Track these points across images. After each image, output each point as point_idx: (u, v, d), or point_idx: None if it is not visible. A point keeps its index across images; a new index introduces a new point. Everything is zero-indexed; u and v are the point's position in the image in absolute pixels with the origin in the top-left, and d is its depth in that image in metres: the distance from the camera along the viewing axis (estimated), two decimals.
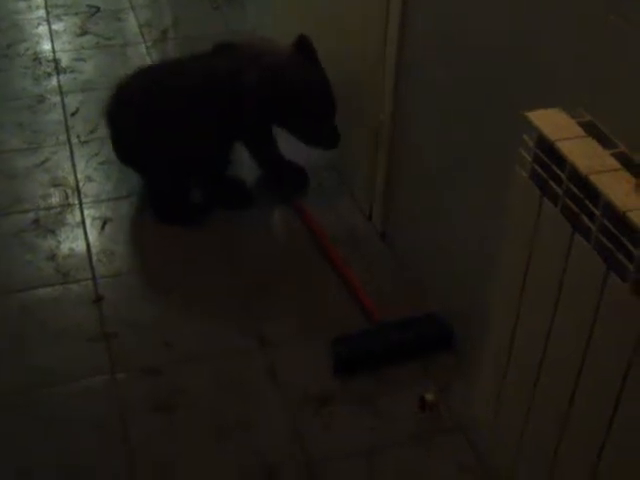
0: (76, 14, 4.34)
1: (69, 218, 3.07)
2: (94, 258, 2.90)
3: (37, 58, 4.00)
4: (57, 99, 3.71)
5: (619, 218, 1.46)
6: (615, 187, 1.51)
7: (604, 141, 1.63)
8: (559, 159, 1.61)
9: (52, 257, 2.90)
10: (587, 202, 1.55)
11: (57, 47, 4.08)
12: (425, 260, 2.68)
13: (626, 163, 1.57)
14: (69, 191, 3.19)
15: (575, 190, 1.58)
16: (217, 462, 2.28)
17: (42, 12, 4.34)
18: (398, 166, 2.75)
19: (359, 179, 3.04)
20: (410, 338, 2.56)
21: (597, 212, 1.52)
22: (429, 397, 2.38)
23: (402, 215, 2.80)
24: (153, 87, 2.97)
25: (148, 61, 3.97)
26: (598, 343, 1.57)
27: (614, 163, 1.57)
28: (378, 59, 2.67)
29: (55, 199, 3.15)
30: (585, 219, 1.55)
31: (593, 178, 1.53)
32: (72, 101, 3.70)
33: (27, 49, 4.05)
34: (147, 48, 4.10)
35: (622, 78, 1.64)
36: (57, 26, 4.25)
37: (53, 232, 3.00)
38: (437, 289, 2.62)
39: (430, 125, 2.50)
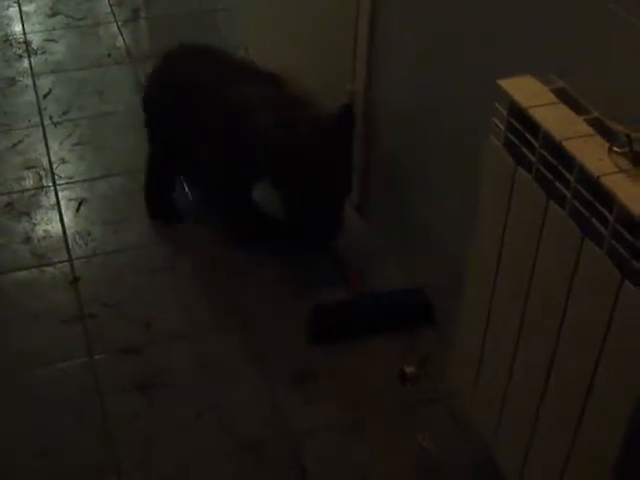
0: None
1: (43, 200, 3.05)
2: (70, 240, 2.88)
3: (8, 40, 3.96)
4: (29, 81, 3.68)
5: (593, 183, 1.46)
6: (589, 152, 1.50)
7: (577, 107, 1.62)
8: (532, 126, 1.60)
9: (27, 240, 2.87)
10: (561, 169, 1.54)
11: (28, 29, 4.04)
12: (403, 232, 2.66)
13: (599, 129, 1.56)
14: (43, 173, 3.16)
15: (549, 157, 1.57)
16: (198, 440, 2.27)
17: None
18: (373, 138, 2.73)
19: None
20: (389, 310, 2.55)
21: (571, 178, 1.51)
22: (409, 370, 2.38)
23: (378, 187, 2.79)
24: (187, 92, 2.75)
25: (120, 41, 3.94)
26: (575, 310, 1.56)
27: (587, 129, 1.56)
28: (351, 27, 2.65)
29: (29, 181, 3.12)
30: (559, 186, 1.55)
31: (566, 144, 1.52)
32: (44, 82, 3.67)
33: None
34: (119, 27, 4.07)
35: (593, 43, 1.63)
36: (27, 7, 4.21)
37: (28, 215, 2.98)
38: (415, 262, 2.61)
39: (404, 95, 2.48)
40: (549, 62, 1.74)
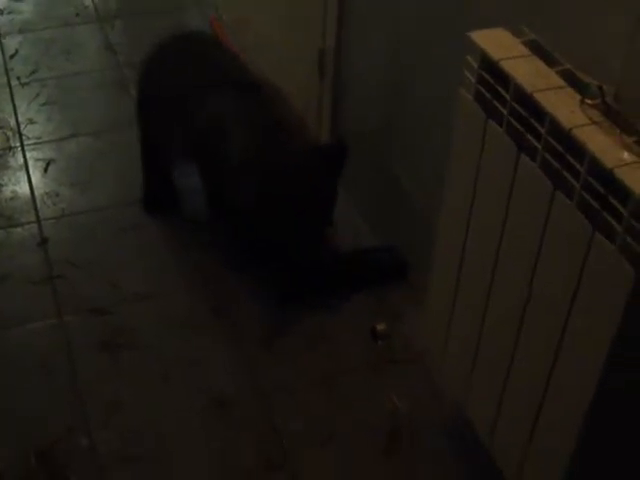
0: None
1: (11, 161, 3.01)
2: (38, 200, 2.85)
3: None
4: None
5: (565, 136, 1.44)
6: (560, 105, 1.48)
7: (548, 59, 1.60)
8: (503, 79, 1.58)
9: None
10: (532, 121, 1.52)
11: None
12: (375, 189, 2.65)
13: (571, 81, 1.55)
14: (10, 134, 3.12)
15: (520, 109, 1.55)
16: (167, 398, 2.27)
17: None
18: (344, 94, 2.70)
19: (306, 108, 2.98)
20: (361, 269, 2.53)
21: (542, 131, 1.49)
22: (380, 327, 2.38)
23: (350, 142, 2.75)
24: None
25: (88, 0, 3.87)
26: (546, 263, 1.56)
27: (559, 81, 1.55)
28: None
29: None
30: (531, 138, 1.53)
31: (538, 96, 1.50)
32: (10, 43, 3.62)
33: None
34: None
35: None
36: None
37: None
38: (386, 218, 2.59)
39: (375, 52, 2.46)
40: (520, 14, 1.72)
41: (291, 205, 2.32)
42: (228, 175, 2.38)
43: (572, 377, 1.55)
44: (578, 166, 1.42)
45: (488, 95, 1.63)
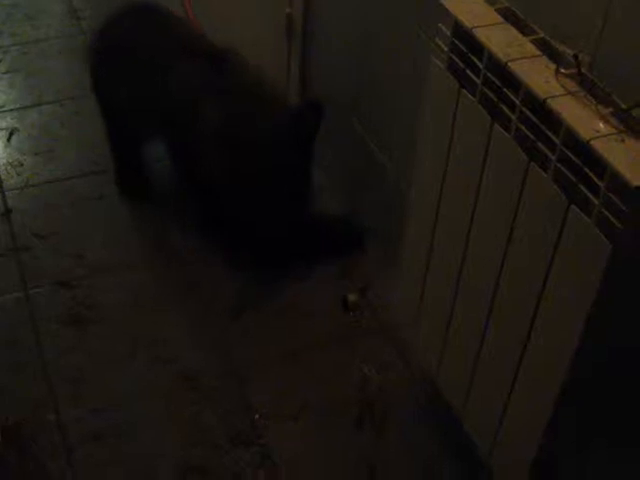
0: None
1: None
2: (1, 170, 2.80)
3: None
4: None
5: (539, 106, 1.41)
6: (535, 74, 1.45)
7: (523, 28, 1.57)
8: (476, 47, 1.55)
9: None
10: (506, 91, 1.49)
11: None
12: (344, 156, 2.60)
13: (546, 50, 1.52)
14: None
15: (494, 79, 1.52)
16: (134, 374, 2.23)
17: None
18: (312, 61, 2.66)
19: (275, 73, 2.93)
20: (319, 240, 2.53)
21: (516, 101, 1.46)
22: (352, 298, 2.36)
23: None
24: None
25: None
26: (520, 235, 1.53)
27: (533, 49, 1.52)
28: None
29: None
30: (505, 109, 1.50)
31: (512, 65, 1.47)
32: None
33: None
34: None
35: None
36: None
37: None
38: (356, 186, 2.56)
39: (343, 17, 2.41)
40: None
41: (267, 174, 2.28)
42: (199, 148, 2.33)
43: (547, 350, 1.54)
44: (553, 137, 1.40)
45: (461, 64, 1.60)
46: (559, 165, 1.39)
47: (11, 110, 3.04)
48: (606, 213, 1.32)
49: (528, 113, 1.45)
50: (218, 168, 2.30)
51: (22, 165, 2.82)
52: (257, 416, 2.15)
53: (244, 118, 2.28)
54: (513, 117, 1.48)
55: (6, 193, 2.72)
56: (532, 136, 1.45)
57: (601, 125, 1.35)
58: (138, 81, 2.47)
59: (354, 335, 2.33)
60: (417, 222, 1.87)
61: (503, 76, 1.49)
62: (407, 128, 2.11)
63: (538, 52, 1.51)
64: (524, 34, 1.55)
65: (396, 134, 2.23)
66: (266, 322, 2.37)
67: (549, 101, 1.39)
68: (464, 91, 1.60)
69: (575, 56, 1.43)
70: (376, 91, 2.32)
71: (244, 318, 2.37)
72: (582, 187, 1.36)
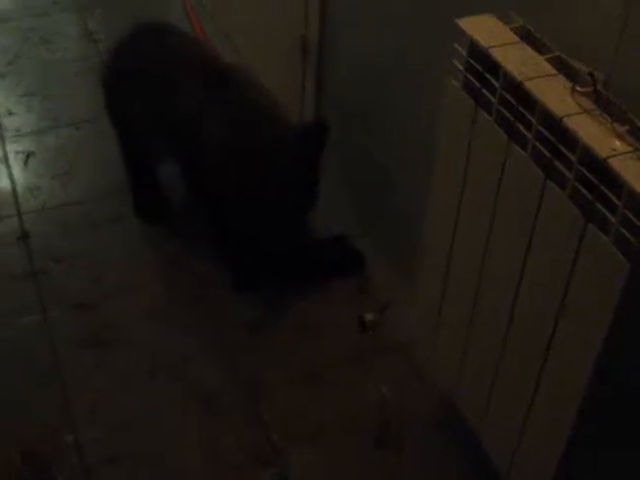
0: None
1: None
2: (19, 194, 2.81)
3: None
4: None
5: (556, 124, 1.41)
6: (551, 93, 1.46)
7: (538, 46, 1.57)
8: (492, 67, 1.56)
9: None
10: (522, 110, 1.49)
11: None
12: (359, 175, 2.60)
13: (562, 68, 1.52)
14: None
15: (510, 98, 1.52)
16: (154, 394, 2.24)
17: None
18: (327, 83, 2.66)
19: (288, 93, 2.93)
20: (315, 264, 2.54)
21: (533, 120, 1.47)
22: (369, 317, 2.35)
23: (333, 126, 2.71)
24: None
25: None
26: (537, 254, 1.53)
27: (549, 68, 1.52)
28: None
29: None
30: (521, 128, 1.50)
31: (528, 84, 1.47)
32: None
33: None
34: None
35: None
36: None
37: None
38: (371, 205, 2.55)
39: (359, 39, 2.41)
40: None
41: (270, 192, 2.28)
42: (204, 161, 2.34)
43: (565, 368, 1.53)
44: (570, 156, 1.40)
45: (477, 83, 1.60)
46: (576, 183, 1.39)
47: (28, 133, 3.05)
48: (623, 231, 1.32)
49: (545, 132, 1.45)
50: (223, 181, 2.31)
51: (39, 188, 2.83)
52: (275, 436, 2.15)
53: (249, 131, 2.29)
54: (529, 136, 1.48)
55: (23, 217, 2.72)
56: (549, 154, 1.45)
57: (617, 143, 1.36)
58: (147, 99, 2.49)
59: (371, 354, 2.33)
60: (434, 240, 1.87)
61: (519, 95, 1.49)
62: (422, 146, 2.12)
63: (554, 71, 1.51)
64: (540, 52, 1.56)
65: (412, 153, 2.23)
66: (283, 341, 2.37)
67: (565, 120, 1.39)
68: (480, 110, 1.60)
69: (591, 74, 1.43)
70: (390, 110, 2.32)
71: (261, 337, 2.38)
72: (599, 205, 1.35)
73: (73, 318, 2.41)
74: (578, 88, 1.45)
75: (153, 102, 2.47)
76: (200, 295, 2.49)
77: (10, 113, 3.13)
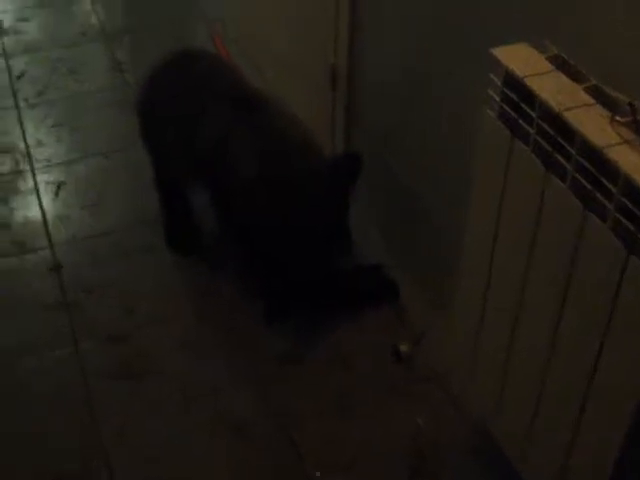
0: None
1: (21, 185, 2.97)
2: (50, 225, 2.81)
3: None
4: (1, 62, 3.58)
5: (596, 155, 1.40)
6: (590, 123, 1.44)
7: (575, 75, 1.56)
8: (529, 97, 1.54)
9: (6, 226, 2.80)
10: (561, 140, 1.48)
11: None
12: (393, 206, 2.59)
13: (599, 97, 1.50)
14: (19, 157, 3.08)
15: (547, 128, 1.51)
16: (187, 425, 2.23)
17: None
18: (358, 113, 2.65)
19: (318, 123, 2.93)
20: (348, 292, 2.53)
21: (572, 150, 1.45)
22: (403, 348, 2.33)
23: (364, 157, 2.69)
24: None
25: (94, 19, 3.84)
26: (577, 287, 1.51)
27: (587, 98, 1.50)
28: None
29: (5, 166, 3.05)
30: (560, 158, 1.49)
31: (566, 115, 1.46)
32: (17, 63, 3.58)
33: None
34: (92, 5, 3.97)
35: (589, 6, 1.56)
36: None
37: (5, 200, 2.90)
38: (404, 235, 2.54)
39: (389, 69, 2.41)
40: (542, 28, 1.67)
41: (301, 222, 2.27)
42: (237, 194, 2.33)
43: (611, 394, 1.51)
44: (611, 187, 1.38)
45: (513, 113, 1.59)
46: (617, 215, 1.37)
47: (58, 164, 3.06)
48: None
49: (584, 162, 1.43)
50: (252, 210, 2.30)
51: (70, 219, 2.84)
52: (308, 467, 2.13)
53: (277, 160, 2.28)
54: (569, 167, 1.46)
55: (55, 247, 2.73)
56: (589, 185, 1.43)
57: None
58: (178, 125, 2.49)
59: (404, 384, 2.31)
60: (470, 272, 1.85)
61: (557, 125, 1.48)
62: (455, 174, 2.10)
63: (592, 100, 1.49)
64: (576, 82, 1.54)
65: (446, 184, 2.21)
66: (314, 372, 2.36)
67: (606, 150, 1.38)
68: (517, 140, 1.58)
69: (630, 104, 1.42)
70: (422, 138, 2.31)
71: (292, 368, 2.36)
72: None
73: (105, 350, 2.41)
74: (617, 118, 1.44)
75: (184, 128, 2.47)
76: (231, 326, 2.48)
77: (40, 144, 3.14)
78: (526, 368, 1.72)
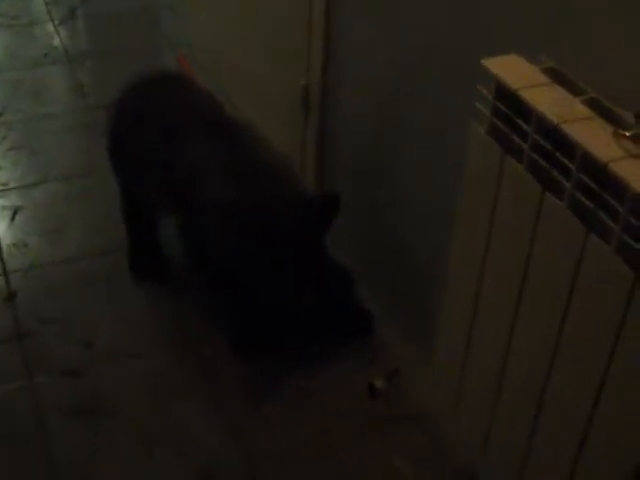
0: None
1: None
2: (5, 251, 2.69)
3: None
4: None
5: (600, 171, 1.28)
6: (591, 136, 1.32)
7: (572, 87, 1.45)
8: (522, 110, 1.43)
9: None
10: (559, 155, 1.36)
11: None
12: (369, 239, 2.47)
13: (599, 110, 1.39)
14: None
15: (544, 143, 1.39)
16: (149, 471, 2.09)
17: None
18: (331, 135, 2.54)
19: (291, 147, 2.81)
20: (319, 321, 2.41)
21: (572, 166, 1.33)
22: (378, 384, 2.21)
23: (335, 186, 2.58)
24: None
25: (57, 41, 3.73)
26: (577, 315, 1.39)
27: (586, 110, 1.39)
28: (304, 17, 2.46)
29: None
30: (557, 175, 1.37)
31: (565, 127, 1.34)
32: None
33: None
34: (55, 27, 3.87)
35: (584, 17, 1.45)
36: None
37: None
38: (383, 270, 2.42)
39: (366, 83, 2.29)
40: (535, 39, 1.56)
41: (273, 251, 2.13)
42: (209, 221, 2.20)
43: (611, 438, 1.40)
44: (617, 205, 1.26)
45: (505, 128, 1.47)
46: (624, 236, 1.25)
47: (15, 188, 2.95)
48: None
49: (586, 179, 1.31)
50: (224, 237, 2.16)
51: (26, 245, 2.71)
52: None
53: (253, 189, 2.16)
54: (567, 184, 1.34)
55: (10, 275, 2.60)
56: (590, 204, 1.31)
57: None
58: (148, 154, 2.36)
59: (384, 424, 2.19)
60: (455, 303, 1.73)
61: (555, 139, 1.36)
62: (435, 202, 1.99)
63: (591, 113, 1.38)
64: (574, 94, 1.43)
65: (426, 213, 2.09)
66: (289, 410, 2.23)
67: (611, 165, 1.26)
68: (509, 157, 1.46)
69: (637, 116, 1.31)
70: (399, 163, 2.19)
71: (264, 406, 2.23)
72: None
73: (61, 385, 2.27)
74: (620, 131, 1.32)
75: (152, 153, 2.35)
76: (198, 362, 2.35)
77: None
78: (517, 406, 1.60)
